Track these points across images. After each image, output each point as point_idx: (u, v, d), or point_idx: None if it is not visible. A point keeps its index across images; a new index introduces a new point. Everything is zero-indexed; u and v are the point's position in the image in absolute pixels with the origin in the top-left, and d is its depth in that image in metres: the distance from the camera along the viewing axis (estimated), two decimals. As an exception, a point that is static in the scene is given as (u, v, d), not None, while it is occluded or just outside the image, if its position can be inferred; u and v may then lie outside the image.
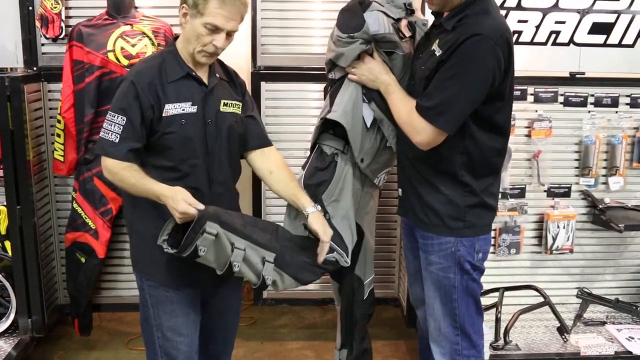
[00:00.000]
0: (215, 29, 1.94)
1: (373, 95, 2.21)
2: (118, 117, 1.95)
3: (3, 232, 2.91)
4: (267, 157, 2.22)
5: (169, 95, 1.99)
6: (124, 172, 1.95)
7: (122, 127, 1.94)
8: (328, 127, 2.27)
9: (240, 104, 2.16)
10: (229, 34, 1.98)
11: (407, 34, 2.28)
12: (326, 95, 2.36)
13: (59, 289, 3.16)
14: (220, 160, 2.08)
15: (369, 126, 2.23)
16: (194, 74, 2.04)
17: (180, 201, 1.85)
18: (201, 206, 1.87)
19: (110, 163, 1.96)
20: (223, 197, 2.09)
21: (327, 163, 2.27)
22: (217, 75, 2.12)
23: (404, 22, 2.27)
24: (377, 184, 2.39)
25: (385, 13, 2.22)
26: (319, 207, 2.16)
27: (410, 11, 2.28)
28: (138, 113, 1.95)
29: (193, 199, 1.88)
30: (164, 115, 1.97)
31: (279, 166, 2.21)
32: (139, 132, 1.96)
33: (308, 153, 2.38)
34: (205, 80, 2.06)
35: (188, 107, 2.00)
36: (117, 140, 1.94)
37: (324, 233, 2.10)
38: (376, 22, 2.18)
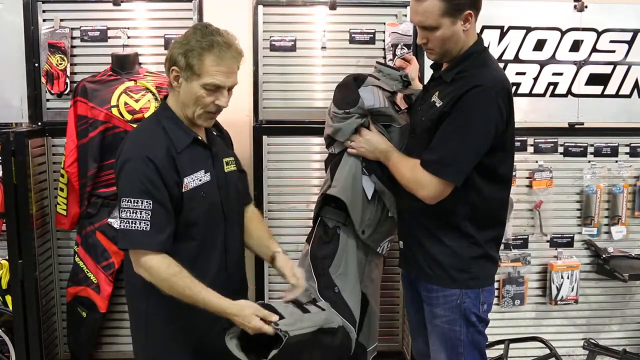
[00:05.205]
0: (215, 89, 1.76)
1: (373, 167, 2.22)
2: (142, 202, 1.69)
3: (4, 287, 2.90)
4: (245, 212, 2.10)
5: (185, 167, 1.78)
6: (174, 280, 1.70)
7: (150, 213, 1.69)
8: (329, 201, 2.28)
9: (234, 158, 2.04)
10: (230, 89, 1.82)
11: (404, 106, 2.30)
12: (327, 169, 2.36)
13: (59, 344, 3.12)
14: (233, 226, 1.96)
15: (370, 198, 2.24)
16: (199, 138, 1.86)
17: (253, 318, 1.70)
18: (274, 317, 1.72)
19: (152, 262, 1.70)
20: (235, 265, 1.98)
21: (330, 236, 2.28)
22: (214, 132, 1.99)
23: (400, 95, 2.30)
24: (381, 253, 2.39)
25: (380, 87, 2.25)
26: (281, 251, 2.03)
27: (406, 83, 2.31)
28: (164, 192, 1.72)
29: (264, 312, 1.73)
30: (183, 190, 1.77)
31: (250, 219, 2.09)
32: (171, 213, 1.73)
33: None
34: (205, 140, 1.91)
35: (203, 176, 1.83)
36: (148, 229, 1.68)
37: (292, 275, 1.95)
38: (371, 96, 2.20)
